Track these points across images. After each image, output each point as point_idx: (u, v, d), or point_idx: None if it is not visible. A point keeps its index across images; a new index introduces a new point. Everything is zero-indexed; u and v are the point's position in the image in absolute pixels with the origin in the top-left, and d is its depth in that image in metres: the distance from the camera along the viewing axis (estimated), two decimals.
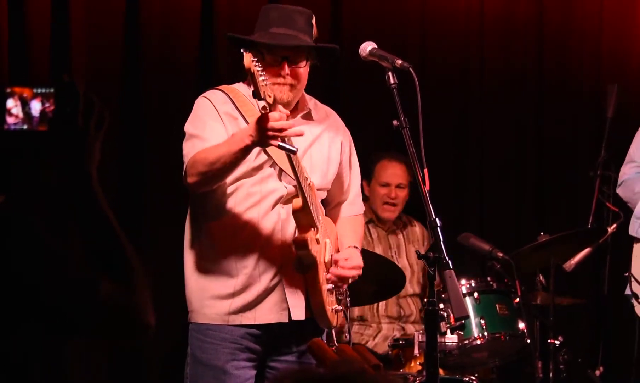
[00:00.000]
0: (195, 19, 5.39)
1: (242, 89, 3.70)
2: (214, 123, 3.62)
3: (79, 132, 1.92)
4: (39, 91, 1.88)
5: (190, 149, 3.60)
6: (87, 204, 1.92)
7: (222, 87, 3.73)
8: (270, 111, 3.30)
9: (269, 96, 3.21)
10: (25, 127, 1.86)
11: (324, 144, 3.81)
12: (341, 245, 3.86)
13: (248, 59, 3.14)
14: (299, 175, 3.48)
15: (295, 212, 3.57)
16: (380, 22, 5.81)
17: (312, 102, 3.82)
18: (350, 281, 3.77)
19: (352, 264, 3.73)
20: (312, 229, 3.60)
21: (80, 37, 5.09)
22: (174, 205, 3.88)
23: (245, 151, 3.43)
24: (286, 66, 3.60)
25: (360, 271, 3.76)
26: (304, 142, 3.71)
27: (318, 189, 3.77)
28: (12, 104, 1.86)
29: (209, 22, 5.42)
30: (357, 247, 3.85)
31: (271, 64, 3.60)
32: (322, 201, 3.88)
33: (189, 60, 5.39)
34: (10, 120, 1.86)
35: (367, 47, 3.58)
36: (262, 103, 3.29)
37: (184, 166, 3.59)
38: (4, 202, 1.88)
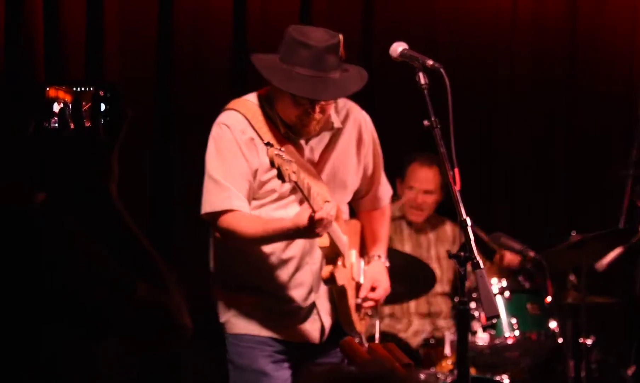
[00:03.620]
0: (227, 23, 5.40)
1: (258, 103, 3.67)
2: (235, 164, 3.60)
3: (99, 145, 1.91)
4: (77, 90, 1.89)
5: (212, 198, 3.61)
6: (106, 219, 1.92)
7: (236, 105, 3.67)
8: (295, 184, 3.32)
9: (294, 173, 3.23)
10: (63, 128, 1.88)
11: (346, 153, 3.79)
12: (367, 246, 3.89)
13: (272, 153, 3.17)
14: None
15: (322, 248, 3.59)
16: (411, 23, 5.81)
17: (332, 105, 3.75)
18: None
19: (378, 295, 3.78)
20: (339, 258, 3.62)
21: (114, 41, 5.12)
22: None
23: (284, 240, 3.59)
24: (317, 108, 3.56)
25: (388, 292, 3.83)
26: (326, 155, 3.72)
27: (342, 198, 3.78)
28: (57, 108, 1.88)
29: (241, 26, 5.43)
30: (380, 256, 3.87)
31: (301, 103, 3.55)
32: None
33: (220, 63, 5.40)
34: (52, 121, 1.88)
35: (397, 47, 3.56)
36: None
37: (205, 209, 3.62)
38: (43, 201, 1.89)
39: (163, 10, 5.27)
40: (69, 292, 1.84)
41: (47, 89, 1.89)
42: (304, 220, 3.36)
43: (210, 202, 3.59)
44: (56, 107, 1.88)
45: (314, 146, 3.69)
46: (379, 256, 3.86)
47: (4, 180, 1.93)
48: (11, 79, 4.79)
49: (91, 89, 1.90)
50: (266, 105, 3.65)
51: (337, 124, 3.74)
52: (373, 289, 3.80)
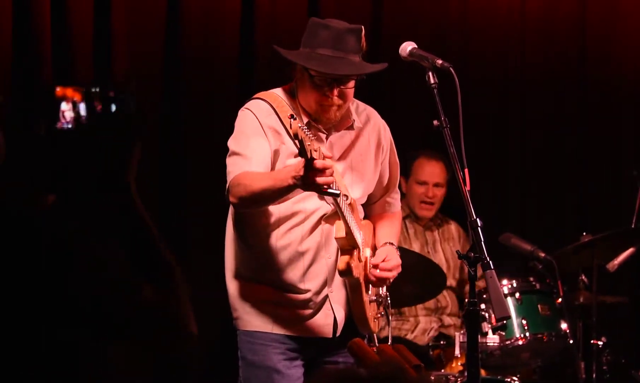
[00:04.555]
0: (235, 23, 5.41)
1: (283, 97, 3.69)
2: (257, 139, 3.60)
3: (119, 139, 1.92)
4: (90, 90, 1.90)
5: (232, 167, 3.59)
6: (125, 215, 1.92)
7: (263, 95, 3.70)
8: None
9: (315, 151, 3.21)
10: (73, 127, 1.89)
11: (364, 154, 3.80)
12: (378, 241, 3.86)
13: (296, 126, 3.15)
14: (339, 203, 3.48)
15: (338, 239, 3.58)
16: (420, 22, 5.80)
17: (354, 105, 3.79)
18: (390, 282, 3.78)
19: (391, 265, 3.72)
20: (355, 250, 3.61)
21: (122, 41, 5.12)
22: (215, 207, 3.90)
23: (288, 190, 3.43)
24: (335, 90, 3.58)
25: (399, 270, 3.76)
26: (345, 153, 3.72)
27: (357, 199, 3.77)
28: (65, 107, 1.88)
29: (249, 26, 5.43)
30: (393, 243, 3.84)
31: (320, 85, 3.58)
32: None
33: (228, 63, 5.40)
34: (62, 121, 1.89)
35: (407, 47, 3.56)
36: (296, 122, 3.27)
37: (227, 183, 3.60)
38: (53, 202, 1.89)
39: (171, 9, 5.27)
40: (70, 293, 1.83)
41: (57, 89, 1.90)
42: (301, 166, 3.31)
43: (231, 174, 3.59)
44: (64, 106, 1.88)
45: (334, 142, 3.70)
46: (391, 243, 3.84)
47: (15, 183, 1.93)
48: (20, 79, 4.80)
49: (101, 89, 1.90)
50: (290, 97, 3.67)
51: (357, 123, 3.75)
52: (384, 261, 3.76)
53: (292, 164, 3.48)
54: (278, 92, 3.72)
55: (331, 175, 3.26)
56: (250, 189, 3.49)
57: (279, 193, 3.47)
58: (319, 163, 3.23)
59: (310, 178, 3.26)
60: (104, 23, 5.08)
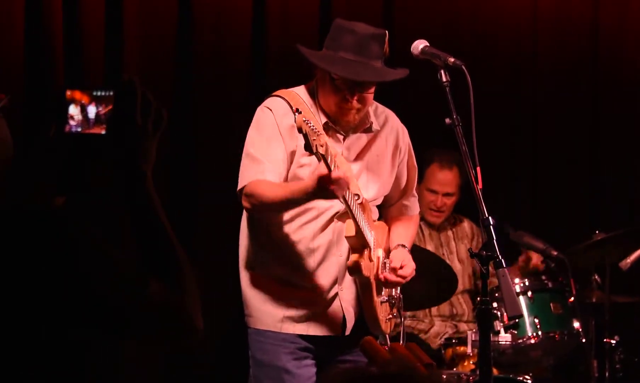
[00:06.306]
0: (247, 17, 5.41)
1: (303, 96, 3.70)
2: (274, 144, 3.62)
3: (136, 131, 1.93)
4: (97, 94, 1.91)
5: (247, 172, 3.62)
6: (140, 204, 1.94)
7: (283, 93, 3.72)
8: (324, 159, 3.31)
9: (321, 146, 3.23)
10: (82, 130, 1.90)
11: (381, 155, 3.81)
12: (391, 243, 3.87)
13: (300, 119, 3.16)
14: (349, 203, 3.49)
15: (348, 238, 3.59)
16: (431, 21, 5.79)
17: (372, 107, 3.80)
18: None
19: (407, 272, 3.74)
20: (365, 249, 3.61)
21: (133, 43, 5.14)
22: (227, 204, 3.91)
23: (303, 202, 3.51)
24: (356, 95, 3.60)
25: (413, 275, 3.77)
26: (361, 154, 3.73)
27: (372, 200, 3.77)
28: (73, 110, 1.90)
29: (261, 27, 5.43)
30: (405, 246, 3.84)
31: (341, 89, 3.60)
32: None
33: (241, 59, 5.41)
34: (70, 123, 1.90)
35: (419, 45, 3.57)
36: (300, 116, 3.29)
37: (240, 185, 3.61)
38: (63, 204, 1.90)
39: (182, 11, 5.28)
40: (84, 293, 1.84)
41: (67, 92, 1.92)
42: (316, 177, 3.34)
43: (244, 176, 3.63)
44: (72, 110, 1.90)
45: (351, 145, 3.72)
46: (404, 246, 3.85)
47: (21, 182, 1.94)
48: (32, 81, 4.82)
49: (111, 93, 1.92)
50: (310, 97, 3.69)
51: (375, 126, 3.76)
52: (401, 268, 3.77)
53: (307, 179, 3.50)
54: (299, 90, 3.73)
55: (346, 183, 3.30)
56: (265, 198, 3.54)
57: (294, 205, 3.55)
58: (334, 174, 3.25)
59: (328, 189, 3.30)
60: (115, 23, 5.09)
